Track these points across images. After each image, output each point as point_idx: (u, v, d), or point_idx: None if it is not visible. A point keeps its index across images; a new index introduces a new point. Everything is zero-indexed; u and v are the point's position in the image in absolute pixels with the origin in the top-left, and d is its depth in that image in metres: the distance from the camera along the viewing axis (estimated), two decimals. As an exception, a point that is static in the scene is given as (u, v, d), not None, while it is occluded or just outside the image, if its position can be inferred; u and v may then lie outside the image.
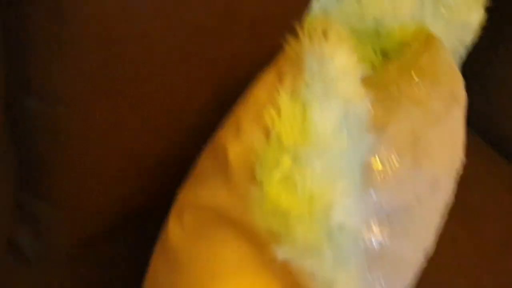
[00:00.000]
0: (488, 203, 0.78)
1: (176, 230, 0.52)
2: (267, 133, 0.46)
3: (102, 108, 0.54)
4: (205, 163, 0.55)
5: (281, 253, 0.43)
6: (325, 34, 0.47)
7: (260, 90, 0.52)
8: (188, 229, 0.51)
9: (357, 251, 0.52)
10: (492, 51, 0.89)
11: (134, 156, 0.59)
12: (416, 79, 0.59)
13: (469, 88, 0.69)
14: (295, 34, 0.50)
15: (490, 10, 0.77)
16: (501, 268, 0.74)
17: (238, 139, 0.49)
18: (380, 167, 0.53)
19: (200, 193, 0.52)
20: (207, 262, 0.48)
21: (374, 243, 0.57)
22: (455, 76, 0.63)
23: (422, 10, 0.68)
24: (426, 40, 0.65)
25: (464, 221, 0.76)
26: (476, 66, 0.84)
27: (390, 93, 0.57)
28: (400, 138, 0.55)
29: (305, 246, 0.44)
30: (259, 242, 0.46)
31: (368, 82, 0.61)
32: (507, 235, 0.76)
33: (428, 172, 0.58)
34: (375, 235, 0.57)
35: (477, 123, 0.87)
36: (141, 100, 0.56)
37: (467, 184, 0.80)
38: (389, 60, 0.64)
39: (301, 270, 0.44)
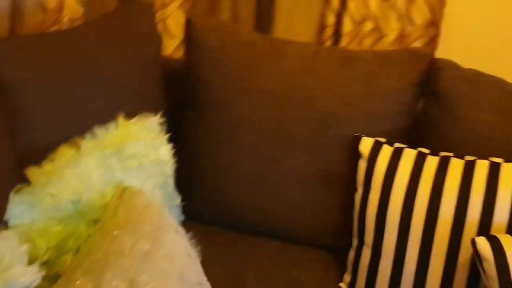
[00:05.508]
0: None
1: None
2: None
3: None
4: None
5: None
6: None
7: None
8: None
9: None
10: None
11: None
12: (116, 234, 0.66)
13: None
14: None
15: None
16: None
17: None
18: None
19: None
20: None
21: None
22: (155, 210, 0.72)
23: (111, 172, 0.77)
24: (121, 194, 0.74)
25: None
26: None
27: (95, 260, 0.62)
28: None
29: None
30: None
31: (76, 259, 0.66)
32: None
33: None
34: None
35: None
36: None
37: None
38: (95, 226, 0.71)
39: None
